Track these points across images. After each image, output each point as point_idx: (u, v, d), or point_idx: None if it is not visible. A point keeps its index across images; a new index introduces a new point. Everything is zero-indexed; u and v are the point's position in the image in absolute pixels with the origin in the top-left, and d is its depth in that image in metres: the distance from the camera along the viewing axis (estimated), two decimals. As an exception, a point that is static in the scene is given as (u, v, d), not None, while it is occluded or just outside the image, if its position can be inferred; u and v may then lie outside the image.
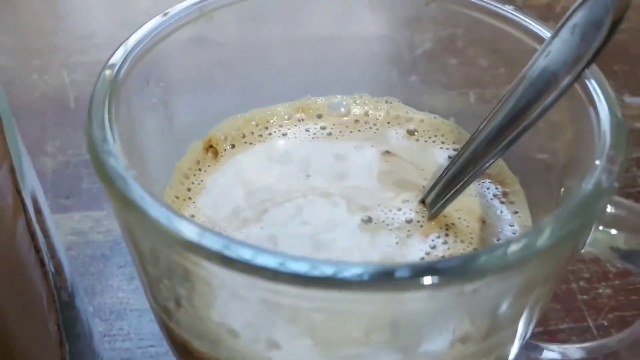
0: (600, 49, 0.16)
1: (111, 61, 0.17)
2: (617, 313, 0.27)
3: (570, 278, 0.28)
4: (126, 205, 0.13)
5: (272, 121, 0.23)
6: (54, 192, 0.33)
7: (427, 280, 0.12)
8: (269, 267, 0.12)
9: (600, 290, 0.27)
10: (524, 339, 0.16)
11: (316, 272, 0.12)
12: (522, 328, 0.16)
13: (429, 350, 0.15)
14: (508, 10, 0.19)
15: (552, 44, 0.17)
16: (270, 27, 0.22)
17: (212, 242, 0.12)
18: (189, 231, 0.12)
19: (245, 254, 0.12)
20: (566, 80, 0.17)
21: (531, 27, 0.19)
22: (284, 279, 0.12)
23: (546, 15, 0.46)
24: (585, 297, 0.27)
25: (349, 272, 0.12)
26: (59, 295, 0.19)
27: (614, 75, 0.39)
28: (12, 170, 0.17)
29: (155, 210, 0.12)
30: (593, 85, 0.17)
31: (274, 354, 0.14)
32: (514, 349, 0.16)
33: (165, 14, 0.19)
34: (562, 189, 0.17)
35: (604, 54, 0.16)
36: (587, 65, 0.16)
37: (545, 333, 0.26)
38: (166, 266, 0.14)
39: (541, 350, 0.21)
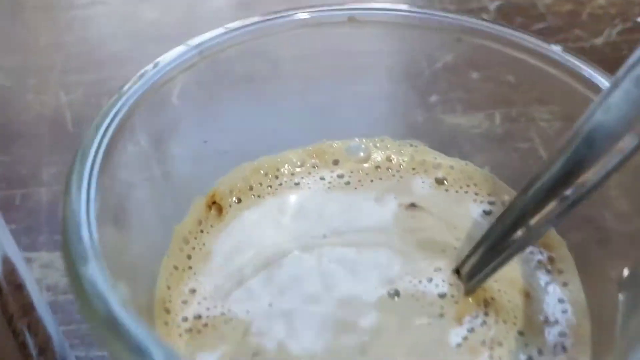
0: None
1: (97, 120, 0.15)
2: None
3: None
4: (110, 339, 0.10)
5: (282, 169, 0.20)
6: (49, 226, 0.31)
7: None
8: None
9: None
10: None
11: None
12: None
13: None
14: (553, 50, 0.17)
15: (611, 96, 0.15)
16: (278, 66, 0.20)
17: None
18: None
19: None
20: (631, 142, 0.14)
21: (584, 72, 0.16)
22: None
23: (572, 22, 0.43)
24: None
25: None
26: (44, 380, 0.17)
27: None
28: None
29: (151, 349, 0.10)
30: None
31: None
32: None
33: (161, 60, 0.17)
34: (625, 267, 0.15)
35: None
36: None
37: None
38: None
39: None
